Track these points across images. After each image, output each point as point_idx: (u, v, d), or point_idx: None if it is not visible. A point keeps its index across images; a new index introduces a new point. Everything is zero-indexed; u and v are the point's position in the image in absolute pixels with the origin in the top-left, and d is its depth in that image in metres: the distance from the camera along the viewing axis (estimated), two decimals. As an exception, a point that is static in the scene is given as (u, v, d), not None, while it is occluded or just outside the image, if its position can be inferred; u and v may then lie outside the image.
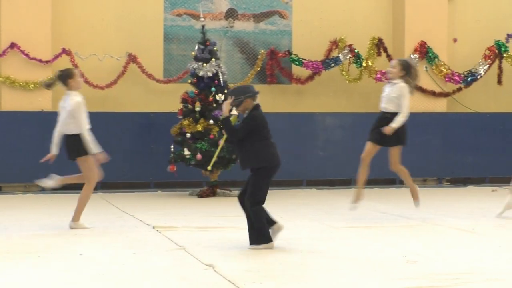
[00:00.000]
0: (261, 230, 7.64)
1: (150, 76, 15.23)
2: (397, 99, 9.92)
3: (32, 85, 14.56)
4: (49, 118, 14.44)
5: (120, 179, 14.66)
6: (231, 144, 8.23)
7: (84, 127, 9.09)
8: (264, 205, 7.65)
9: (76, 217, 9.32)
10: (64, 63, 14.89)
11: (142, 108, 15.00)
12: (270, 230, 7.70)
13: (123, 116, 14.80)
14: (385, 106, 10.00)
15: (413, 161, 15.64)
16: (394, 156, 10.04)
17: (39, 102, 14.69)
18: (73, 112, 9.10)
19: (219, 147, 8.77)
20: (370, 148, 10.04)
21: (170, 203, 12.31)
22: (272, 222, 7.75)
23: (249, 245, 7.64)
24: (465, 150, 15.84)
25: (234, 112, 8.09)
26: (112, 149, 14.46)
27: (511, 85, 16.68)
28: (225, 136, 8.20)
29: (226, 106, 7.82)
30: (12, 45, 14.54)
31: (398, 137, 9.92)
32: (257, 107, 7.83)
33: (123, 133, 14.61)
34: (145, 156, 14.36)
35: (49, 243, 8.05)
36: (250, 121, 7.73)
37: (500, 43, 16.24)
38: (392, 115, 9.89)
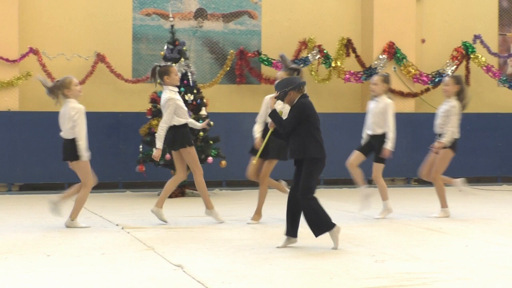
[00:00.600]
0: (320, 220, 7.60)
1: (118, 76, 15.17)
2: (382, 115, 10.01)
3: (-1, 85, 14.45)
4: (16, 118, 14.40)
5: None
6: (279, 137, 8.10)
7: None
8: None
9: (73, 215, 9.39)
10: (31, 62, 14.80)
11: (110, 108, 14.93)
12: (285, 239, 7.73)
13: (92, 116, 14.60)
14: (373, 128, 10.06)
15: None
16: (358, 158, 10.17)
17: (6, 102, 14.57)
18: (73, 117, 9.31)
19: (266, 139, 8.48)
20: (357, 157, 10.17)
21: (139, 203, 12.27)
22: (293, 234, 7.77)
23: (315, 237, 7.70)
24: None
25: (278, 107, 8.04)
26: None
27: (479, 85, 16.84)
28: (271, 129, 8.08)
29: (272, 100, 7.79)
30: (-21, 44, 14.42)
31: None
32: (304, 96, 7.73)
33: (92, 133, 14.39)
34: (114, 156, 14.30)
35: (17, 244, 7.99)
36: (297, 110, 7.62)
37: (467, 44, 16.38)
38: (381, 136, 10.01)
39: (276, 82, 8.19)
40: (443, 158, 10.26)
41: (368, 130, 10.23)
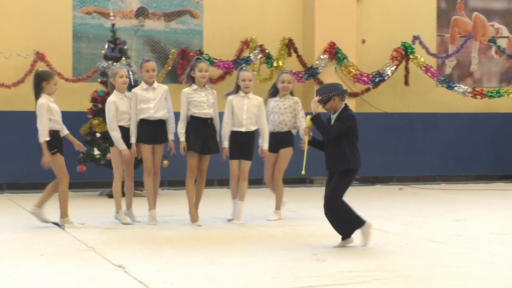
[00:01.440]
0: (349, 219, 7.63)
1: (58, 74, 14.88)
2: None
3: None
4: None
5: (28, 179, 14.37)
6: (313, 145, 8.10)
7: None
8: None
9: (63, 214, 9.30)
10: (-31, 60, 14.55)
11: (50, 107, 14.73)
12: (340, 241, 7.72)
13: (31, 115, 14.37)
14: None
15: (322, 161, 15.84)
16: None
17: None
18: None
19: (306, 150, 8.28)
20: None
21: (80, 203, 12.13)
22: None
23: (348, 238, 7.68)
24: (373, 149, 16.09)
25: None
26: (20, 149, 14.23)
27: (418, 86, 17.04)
28: (307, 138, 7.99)
29: (314, 104, 7.72)
30: None
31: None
32: (347, 107, 7.77)
33: (31, 132, 14.29)
34: (54, 156, 14.09)
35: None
36: (347, 121, 7.66)
37: (406, 45, 16.57)
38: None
39: (319, 87, 8.22)
40: (287, 158, 10.15)
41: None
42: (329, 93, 7.71)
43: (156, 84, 9.67)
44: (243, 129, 9.62)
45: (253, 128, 9.67)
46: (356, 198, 13.07)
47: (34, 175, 14.34)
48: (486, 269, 6.54)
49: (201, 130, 9.46)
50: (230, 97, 9.67)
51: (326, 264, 6.73)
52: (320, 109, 7.79)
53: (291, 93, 10.17)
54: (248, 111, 9.62)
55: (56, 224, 9.43)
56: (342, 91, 7.78)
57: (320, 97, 7.72)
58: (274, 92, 10.21)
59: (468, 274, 6.31)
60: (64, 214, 9.32)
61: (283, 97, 10.11)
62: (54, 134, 9.27)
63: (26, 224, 9.65)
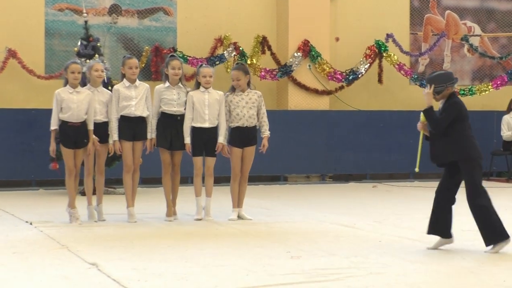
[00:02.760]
0: (492, 227, 7.26)
1: (31, 71, 14.89)
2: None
3: None
4: None
5: (0, 177, 14.29)
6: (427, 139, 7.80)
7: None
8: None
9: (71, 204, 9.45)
10: None
11: (23, 104, 14.64)
12: (438, 240, 7.51)
13: (3, 112, 14.42)
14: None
15: (297, 158, 15.91)
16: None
17: None
18: None
19: (420, 145, 8.13)
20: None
21: (53, 201, 12.07)
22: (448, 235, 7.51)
23: (486, 247, 7.32)
24: (347, 147, 16.18)
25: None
26: (-9, 147, 14.13)
27: (391, 83, 17.13)
28: (422, 132, 7.80)
29: (428, 96, 7.53)
30: None
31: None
32: (454, 94, 7.52)
33: (3, 130, 14.24)
34: (26, 154, 14.03)
35: None
36: (451, 109, 7.41)
37: (380, 43, 16.64)
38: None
39: (430, 76, 7.86)
40: (252, 155, 9.93)
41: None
42: (444, 83, 7.53)
43: (138, 82, 9.66)
44: (206, 125, 9.63)
45: (216, 123, 9.68)
46: (330, 196, 13.17)
47: (6, 172, 14.26)
48: (458, 265, 6.61)
49: (170, 126, 9.55)
50: (190, 93, 9.67)
51: (299, 261, 6.76)
52: (433, 101, 7.61)
53: (249, 86, 9.95)
54: (210, 106, 9.63)
55: (29, 222, 9.41)
56: (455, 80, 7.61)
57: (434, 88, 7.54)
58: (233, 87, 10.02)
59: (439, 271, 6.37)
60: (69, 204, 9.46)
61: (245, 91, 9.91)
62: (61, 124, 9.30)
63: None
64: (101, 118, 9.50)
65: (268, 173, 15.62)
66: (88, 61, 12.86)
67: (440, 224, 7.52)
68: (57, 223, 9.30)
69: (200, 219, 9.63)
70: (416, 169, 8.06)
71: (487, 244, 7.32)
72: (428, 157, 7.77)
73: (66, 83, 9.45)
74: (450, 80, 7.60)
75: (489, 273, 6.31)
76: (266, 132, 9.91)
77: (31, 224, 9.32)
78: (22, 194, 13.34)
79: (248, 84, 9.87)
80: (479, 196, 7.34)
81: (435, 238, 7.59)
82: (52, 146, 9.39)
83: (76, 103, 9.29)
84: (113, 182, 13.46)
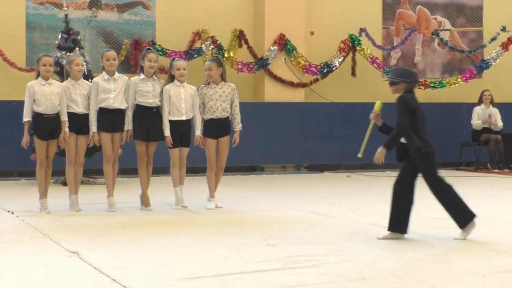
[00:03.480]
0: (460, 209, 7.25)
1: (12, 64, 14.80)
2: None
3: None
4: None
5: (-18, 168, 14.21)
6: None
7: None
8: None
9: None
10: None
11: (4, 96, 14.55)
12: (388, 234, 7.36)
13: (-15, 104, 14.33)
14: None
15: (273, 148, 15.93)
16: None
17: None
18: None
19: (368, 132, 8.10)
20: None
21: (34, 191, 11.94)
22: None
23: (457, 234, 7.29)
24: (321, 138, 16.22)
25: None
26: (-26, 138, 14.03)
27: (364, 76, 17.18)
28: (372, 121, 7.73)
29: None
30: None
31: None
32: (409, 90, 7.47)
33: (-15, 121, 14.15)
34: (8, 145, 13.93)
35: None
36: (399, 104, 7.38)
37: (353, 37, 16.68)
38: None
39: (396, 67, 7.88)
40: (227, 145, 9.88)
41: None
42: (399, 77, 7.50)
43: (117, 74, 9.60)
44: (183, 118, 9.63)
45: (191, 115, 9.68)
46: (306, 186, 13.20)
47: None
48: (429, 253, 6.65)
49: (146, 118, 9.51)
50: (167, 86, 9.63)
51: (275, 249, 6.76)
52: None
53: (223, 79, 9.93)
54: (186, 100, 9.62)
55: (11, 212, 9.35)
56: (412, 80, 7.55)
57: (390, 78, 7.55)
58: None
59: (412, 257, 6.40)
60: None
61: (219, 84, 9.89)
62: (36, 116, 9.19)
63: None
64: (82, 110, 9.45)
65: (245, 164, 15.63)
66: (68, 54, 12.80)
67: (402, 220, 7.45)
68: (38, 213, 9.25)
69: (178, 209, 9.62)
70: (359, 155, 8.12)
71: (461, 227, 7.33)
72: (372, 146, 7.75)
73: (38, 75, 9.38)
74: (407, 77, 7.56)
75: (460, 259, 6.35)
76: (238, 126, 9.91)
77: (13, 213, 9.27)
78: (4, 184, 13.27)
79: (222, 77, 9.85)
80: (438, 184, 7.36)
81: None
82: (26, 137, 9.32)
83: (48, 94, 9.23)
84: (93, 172, 13.40)
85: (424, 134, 7.43)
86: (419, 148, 7.33)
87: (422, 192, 11.09)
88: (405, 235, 7.39)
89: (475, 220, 7.33)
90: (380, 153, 7.51)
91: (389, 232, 7.40)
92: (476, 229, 7.34)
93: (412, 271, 5.81)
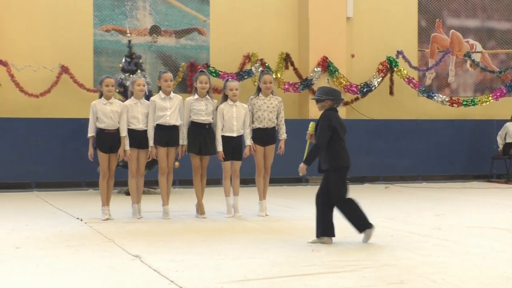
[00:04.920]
0: (358, 218, 7.40)
1: (81, 85, 15.00)
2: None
3: (-29, 93, 14.18)
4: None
5: (54, 178, 14.40)
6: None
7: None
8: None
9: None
10: (1, 73, 14.55)
11: (74, 114, 14.75)
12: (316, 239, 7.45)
13: (56, 122, 14.53)
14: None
15: (317, 161, 15.83)
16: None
17: (-22, 108, 14.32)
18: None
19: (306, 151, 7.91)
20: None
21: (100, 200, 12.11)
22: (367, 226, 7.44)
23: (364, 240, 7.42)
24: (362, 152, 16.10)
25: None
26: (46, 152, 14.25)
27: (401, 95, 17.06)
28: (309, 141, 7.77)
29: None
30: (-48, 57, 14.14)
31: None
32: (332, 108, 7.50)
33: (57, 137, 14.36)
34: (77, 158, 14.10)
35: (-13, 238, 7.84)
36: (321, 122, 7.41)
37: (391, 59, 16.58)
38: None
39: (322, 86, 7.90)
40: (272, 152, 9.91)
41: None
42: (324, 95, 7.55)
43: (172, 94, 9.68)
44: (234, 134, 9.67)
45: (242, 132, 9.71)
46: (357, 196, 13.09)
47: (60, 175, 14.38)
48: (463, 259, 6.54)
49: (199, 134, 9.56)
50: (221, 105, 9.67)
51: (320, 254, 6.72)
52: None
53: (272, 93, 10.04)
54: (238, 119, 9.65)
55: (80, 219, 9.45)
56: (337, 98, 7.58)
57: (316, 95, 7.62)
58: (258, 91, 10.02)
59: (446, 263, 6.31)
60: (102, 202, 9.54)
61: (268, 96, 9.93)
62: (99, 131, 9.33)
63: (52, 218, 9.65)
64: (142, 126, 9.53)
65: (291, 175, 15.56)
66: (131, 75, 12.93)
67: (328, 225, 7.44)
68: (103, 220, 9.32)
69: (230, 217, 9.63)
70: (300, 174, 7.94)
71: (360, 232, 7.46)
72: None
73: (101, 95, 9.49)
74: (331, 95, 7.56)
75: (492, 265, 6.24)
76: (283, 135, 9.97)
77: (81, 220, 9.37)
78: (73, 194, 13.42)
79: (272, 90, 9.91)
80: (341, 198, 7.43)
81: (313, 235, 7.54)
82: (90, 151, 9.45)
83: (109, 112, 9.34)
84: (153, 183, 13.48)
85: (342, 149, 7.49)
86: (332, 163, 7.40)
87: (459, 202, 10.92)
88: (333, 238, 7.45)
89: (372, 228, 7.44)
90: (301, 168, 7.52)
91: (318, 237, 7.44)
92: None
93: (447, 276, 5.73)
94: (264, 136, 9.82)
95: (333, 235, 7.44)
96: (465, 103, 17.08)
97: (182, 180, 14.11)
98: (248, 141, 9.76)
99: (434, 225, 8.86)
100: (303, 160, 7.56)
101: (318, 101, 7.60)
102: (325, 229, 7.43)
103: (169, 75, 9.72)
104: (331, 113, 7.50)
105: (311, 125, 7.70)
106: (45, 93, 14.78)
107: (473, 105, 17.17)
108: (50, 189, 14.09)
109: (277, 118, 9.89)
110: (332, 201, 7.43)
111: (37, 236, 7.98)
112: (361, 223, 7.46)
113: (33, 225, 8.91)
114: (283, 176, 14.98)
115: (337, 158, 7.46)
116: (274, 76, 15.71)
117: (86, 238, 7.84)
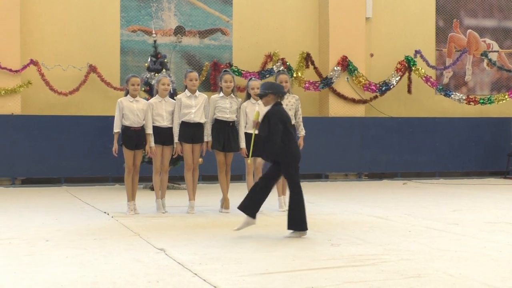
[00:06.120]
0: (297, 217, 7.40)
1: (108, 84, 15.08)
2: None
3: (3, 92, 14.29)
4: (18, 121, 14.25)
5: (82, 174, 14.49)
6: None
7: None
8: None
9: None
10: (31, 72, 14.66)
11: (101, 112, 14.84)
12: (244, 222, 7.53)
13: (85, 119, 14.63)
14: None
15: (336, 158, 15.83)
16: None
17: (9, 106, 14.42)
18: None
19: (252, 141, 8.14)
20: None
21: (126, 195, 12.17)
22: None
23: (287, 231, 7.44)
24: (380, 149, 16.05)
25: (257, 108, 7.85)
26: (75, 148, 14.34)
27: (419, 94, 16.97)
28: (253, 129, 7.83)
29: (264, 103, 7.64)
30: (-15, 56, 14.26)
31: None
32: (278, 103, 7.55)
33: (85, 134, 14.44)
34: (104, 154, 14.18)
35: (19, 230, 7.89)
36: (274, 116, 7.44)
37: (409, 58, 16.49)
38: None
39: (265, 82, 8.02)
40: None
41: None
42: (266, 90, 7.55)
43: (198, 92, 9.70)
44: (256, 132, 9.61)
45: None
46: (366, 192, 13.06)
47: (88, 170, 14.47)
48: (480, 253, 6.49)
49: (223, 131, 9.56)
50: (244, 104, 9.65)
51: (339, 248, 6.70)
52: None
53: (288, 91, 10.00)
54: (260, 116, 9.61)
55: (107, 213, 9.50)
56: (279, 92, 7.58)
57: (260, 90, 7.62)
58: None
59: (463, 257, 6.27)
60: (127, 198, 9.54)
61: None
62: (124, 129, 9.35)
63: (81, 212, 9.71)
64: (166, 124, 9.55)
65: (312, 172, 15.56)
66: (156, 74, 12.97)
67: (254, 205, 7.50)
68: (129, 214, 9.36)
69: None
70: (249, 161, 8.32)
71: (288, 228, 7.42)
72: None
73: (127, 93, 9.52)
74: (272, 89, 7.56)
75: (508, 260, 6.18)
76: (302, 132, 9.93)
77: (108, 214, 9.41)
78: (100, 189, 13.50)
79: (288, 89, 9.88)
80: (293, 189, 7.43)
81: (241, 220, 7.63)
82: (115, 146, 9.47)
83: (135, 110, 9.37)
84: (178, 179, 13.53)
85: (291, 141, 7.53)
86: (285, 155, 7.44)
87: (476, 197, 10.86)
88: (256, 220, 7.54)
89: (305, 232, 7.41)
90: (259, 163, 7.83)
91: (240, 209, 7.54)
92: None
93: (464, 270, 5.69)
94: None
95: (254, 217, 7.51)
96: (482, 101, 16.95)
97: (206, 176, 14.14)
98: None
99: (451, 220, 8.81)
100: (263, 158, 7.62)
101: (261, 96, 7.62)
102: (247, 207, 7.50)
103: (195, 74, 9.74)
104: (279, 108, 7.56)
105: (256, 113, 7.79)
106: (74, 92, 14.87)
107: (489, 103, 17.03)
108: (78, 184, 14.19)
109: (295, 115, 9.87)
110: (294, 189, 7.42)
111: (66, 229, 8.03)
112: (298, 222, 7.41)
113: (62, 219, 8.98)
114: (302, 172, 14.94)
115: (289, 149, 7.50)
116: (295, 75, 15.73)
117: (112, 231, 7.88)
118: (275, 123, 7.43)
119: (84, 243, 7.03)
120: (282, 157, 7.48)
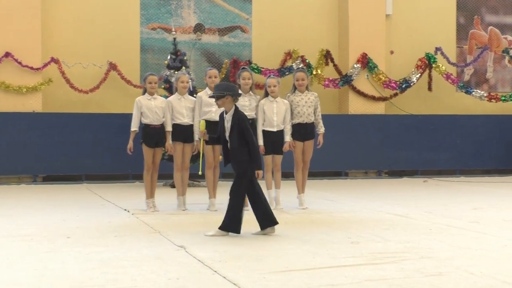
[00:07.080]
0: (264, 213, 7.51)
1: (128, 82, 15.14)
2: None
3: (25, 89, 14.40)
4: (39, 118, 14.35)
5: (102, 171, 14.56)
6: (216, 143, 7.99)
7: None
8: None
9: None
10: (52, 70, 14.75)
11: (121, 109, 14.88)
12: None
13: (105, 116, 14.70)
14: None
15: (357, 155, 15.78)
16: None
17: (31, 104, 14.53)
18: None
19: (201, 151, 8.51)
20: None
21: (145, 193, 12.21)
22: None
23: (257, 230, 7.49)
24: (400, 146, 15.99)
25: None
26: (95, 145, 14.42)
27: (439, 91, 16.88)
28: (202, 140, 7.98)
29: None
30: (7, 54, 14.36)
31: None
32: (237, 107, 7.56)
33: (105, 131, 14.51)
34: (124, 151, 14.06)
35: (40, 227, 7.95)
36: (243, 122, 7.45)
37: (430, 55, 16.41)
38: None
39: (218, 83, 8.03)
40: (311, 147, 9.85)
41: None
42: (223, 91, 7.48)
43: None
44: (274, 129, 9.63)
45: (282, 127, 9.67)
46: (386, 189, 13.02)
47: (108, 168, 14.54)
48: (500, 251, 6.46)
49: None
50: (262, 101, 9.65)
51: (359, 246, 6.69)
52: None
53: (307, 88, 9.99)
54: (278, 114, 9.61)
55: (127, 210, 9.54)
56: (236, 93, 7.55)
57: (215, 92, 7.54)
58: (294, 88, 10.00)
59: (484, 255, 6.24)
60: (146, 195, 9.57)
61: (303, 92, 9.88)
62: (144, 127, 9.37)
63: (101, 209, 9.76)
64: (187, 121, 9.57)
65: (331, 169, 15.54)
66: (176, 72, 13.01)
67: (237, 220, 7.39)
68: (150, 211, 9.40)
69: (272, 209, 9.60)
70: (200, 172, 8.37)
71: (262, 229, 7.44)
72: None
73: (145, 91, 9.55)
74: (229, 90, 7.51)
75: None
76: (321, 129, 9.91)
77: (128, 212, 9.46)
78: (121, 186, 13.56)
79: (307, 86, 9.86)
80: (235, 191, 7.51)
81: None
82: (130, 144, 9.50)
83: (153, 108, 9.39)
84: (197, 176, 13.53)
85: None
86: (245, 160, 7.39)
87: (497, 195, 10.80)
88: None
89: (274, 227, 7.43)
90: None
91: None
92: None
93: (485, 268, 5.66)
94: (303, 131, 9.78)
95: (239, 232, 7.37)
96: (503, 98, 16.83)
97: (225, 173, 14.14)
98: (288, 137, 9.70)
99: (472, 218, 8.76)
100: (257, 168, 7.49)
101: (217, 97, 7.53)
102: (231, 225, 7.37)
103: (214, 71, 9.74)
104: (242, 113, 7.57)
105: (202, 123, 7.85)
106: (94, 89, 14.95)
107: (511, 100, 16.90)
108: (98, 181, 14.26)
109: (314, 113, 9.86)
110: (236, 191, 7.45)
111: (87, 226, 8.09)
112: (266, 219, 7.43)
113: (83, 216, 9.03)
114: (322, 170, 14.95)
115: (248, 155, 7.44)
116: (314, 72, 15.71)
117: (133, 228, 7.92)
118: (247, 129, 7.43)
119: (105, 240, 7.07)
120: (241, 162, 7.40)
